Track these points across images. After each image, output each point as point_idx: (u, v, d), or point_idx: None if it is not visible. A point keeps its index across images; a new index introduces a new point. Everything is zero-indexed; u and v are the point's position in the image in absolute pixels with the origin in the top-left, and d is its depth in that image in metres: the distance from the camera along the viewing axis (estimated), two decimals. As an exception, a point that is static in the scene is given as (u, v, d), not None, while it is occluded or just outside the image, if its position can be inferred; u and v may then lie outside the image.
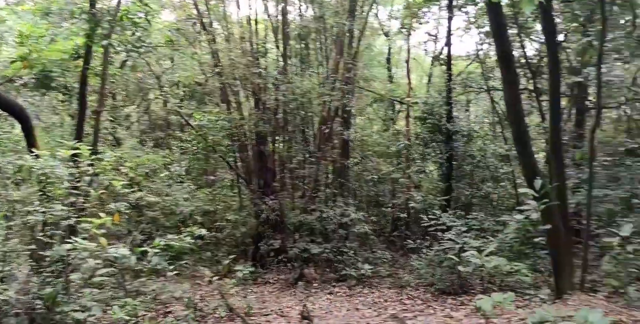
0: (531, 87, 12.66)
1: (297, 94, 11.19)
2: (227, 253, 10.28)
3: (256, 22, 12.38)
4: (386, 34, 16.38)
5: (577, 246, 8.67)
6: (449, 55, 13.38)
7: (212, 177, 13.63)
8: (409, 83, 14.13)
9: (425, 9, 14.85)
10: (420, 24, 15.23)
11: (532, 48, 13.82)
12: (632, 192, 10.15)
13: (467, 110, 16.02)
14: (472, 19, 13.98)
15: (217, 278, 8.10)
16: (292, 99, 11.28)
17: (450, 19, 13.76)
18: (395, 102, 15.34)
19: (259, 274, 10.00)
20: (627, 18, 11.34)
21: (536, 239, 7.50)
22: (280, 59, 12.15)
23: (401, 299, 8.30)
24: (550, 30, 8.19)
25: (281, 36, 12.12)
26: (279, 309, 7.88)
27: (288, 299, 8.59)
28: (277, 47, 12.40)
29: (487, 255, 7.47)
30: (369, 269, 9.44)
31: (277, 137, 12.00)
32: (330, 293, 8.97)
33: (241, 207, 11.96)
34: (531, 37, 13.18)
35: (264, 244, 10.45)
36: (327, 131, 11.45)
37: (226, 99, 11.90)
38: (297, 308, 7.87)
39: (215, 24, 12.67)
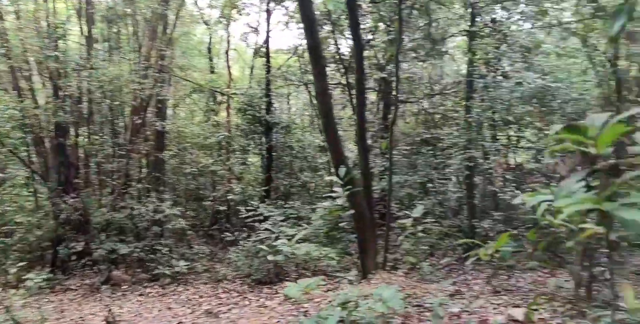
0: (345, 81, 13.39)
1: (103, 81, 10.21)
2: (18, 259, 8.98)
3: (54, -1, 11.03)
4: (206, 23, 15.92)
5: (383, 228, 9.39)
6: (267, 48, 13.50)
7: (0, 175, 11.82)
8: (229, 74, 13.95)
9: (245, 0, 14.79)
10: (241, 14, 15.13)
11: (346, 45, 14.66)
12: (428, 178, 11.37)
13: (288, 102, 16.43)
14: (292, 14, 14.31)
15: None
16: (98, 87, 10.28)
17: (268, 11, 13.90)
18: (216, 93, 15.04)
19: (59, 281, 8.94)
20: (425, 22, 12.64)
21: (342, 224, 7.89)
22: (85, 42, 11.00)
23: (217, 293, 8.12)
24: (355, 28, 8.66)
25: (85, 17, 10.98)
26: (80, 317, 7.13)
27: (92, 306, 7.82)
28: (81, 29, 11.20)
29: (299, 242, 7.69)
30: (185, 265, 9.07)
31: (81, 129, 10.83)
32: (141, 295, 8.40)
33: (37, 207, 10.56)
34: (344, 33, 13.94)
35: (64, 247, 9.36)
36: (139, 121, 10.69)
37: (17, 84, 10.38)
38: (102, 314, 7.21)
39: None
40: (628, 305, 3.55)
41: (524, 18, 12.37)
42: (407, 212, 7.83)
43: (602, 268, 6.80)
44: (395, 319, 5.91)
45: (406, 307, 6.17)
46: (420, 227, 6.99)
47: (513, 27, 12.48)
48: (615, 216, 1.98)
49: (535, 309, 6.97)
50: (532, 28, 12.83)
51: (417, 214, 6.44)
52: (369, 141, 13.66)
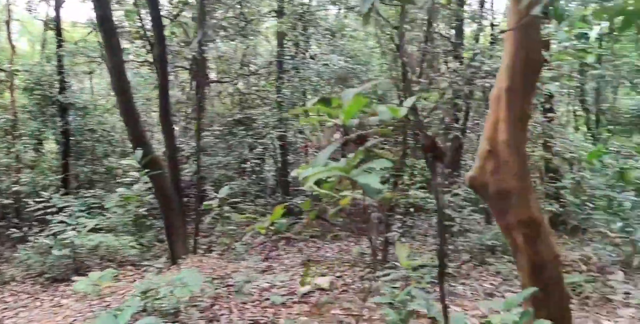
0: (152, 59, 12.58)
1: None
2: None
3: None
4: (-21, -13, 13.56)
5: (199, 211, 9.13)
6: (58, 20, 12.02)
7: None
8: (12, 48, 12.13)
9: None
10: (24, -20, 13.21)
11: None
12: (242, 158, 11.38)
13: (90, 81, 14.96)
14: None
15: None
16: None
17: (57, -22, 12.35)
18: (-1, 70, 12.97)
19: None
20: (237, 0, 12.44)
21: (142, 210, 7.48)
22: None
23: (2, 297, 7.12)
24: (154, 2, 8.13)
25: None
26: None
27: None
28: None
29: (99, 232, 7.07)
30: (-43, 271, 7.75)
31: None
32: None
33: None
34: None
35: None
36: None
37: None
38: None
39: None
40: (401, 263, 3.94)
41: (328, 1, 12.97)
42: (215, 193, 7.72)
43: (394, 233, 7.51)
44: (204, 301, 5.83)
45: (217, 288, 6.13)
46: (226, 208, 6.94)
47: (321, 10, 13.02)
48: (357, 181, 2.07)
49: (339, 276, 7.50)
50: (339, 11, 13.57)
51: (223, 195, 6.35)
52: (183, 123, 13.18)
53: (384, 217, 7.78)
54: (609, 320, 5.10)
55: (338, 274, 7.26)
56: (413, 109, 2.51)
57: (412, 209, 7.99)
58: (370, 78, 10.44)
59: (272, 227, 2.90)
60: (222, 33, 12.00)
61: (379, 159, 2.13)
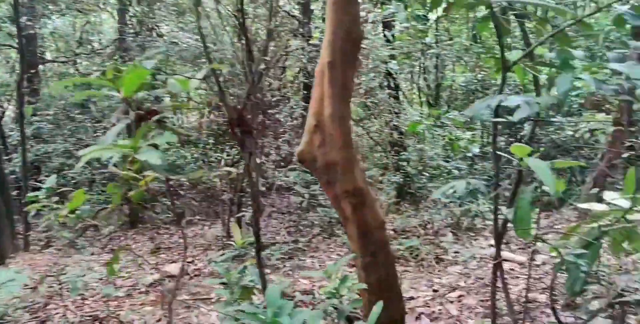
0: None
1: None
2: None
3: None
4: None
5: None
6: None
7: None
8: None
9: None
10: None
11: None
12: (84, 144, 10.46)
13: None
14: None
15: None
16: None
17: None
18: None
19: None
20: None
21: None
22: None
23: None
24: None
25: None
26: None
27: None
28: None
29: None
30: None
31: None
32: None
33: None
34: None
35: None
36: None
37: None
38: None
39: None
40: (236, 243, 3.87)
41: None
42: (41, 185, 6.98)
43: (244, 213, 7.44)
44: (37, 302, 5.34)
45: (50, 286, 5.63)
46: (53, 199, 6.31)
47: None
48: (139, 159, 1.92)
49: (191, 261, 7.28)
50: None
51: (50, 185, 5.72)
52: (9, 106, 11.76)
53: (236, 197, 7.70)
54: (440, 278, 5.56)
55: (190, 259, 7.07)
56: (216, 82, 2.41)
57: (265, 188, 8.00)
58: (222, 58, 10.14)
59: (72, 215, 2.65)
60: (51, 7, 10.77)
61: (165, 134, 2.00)
